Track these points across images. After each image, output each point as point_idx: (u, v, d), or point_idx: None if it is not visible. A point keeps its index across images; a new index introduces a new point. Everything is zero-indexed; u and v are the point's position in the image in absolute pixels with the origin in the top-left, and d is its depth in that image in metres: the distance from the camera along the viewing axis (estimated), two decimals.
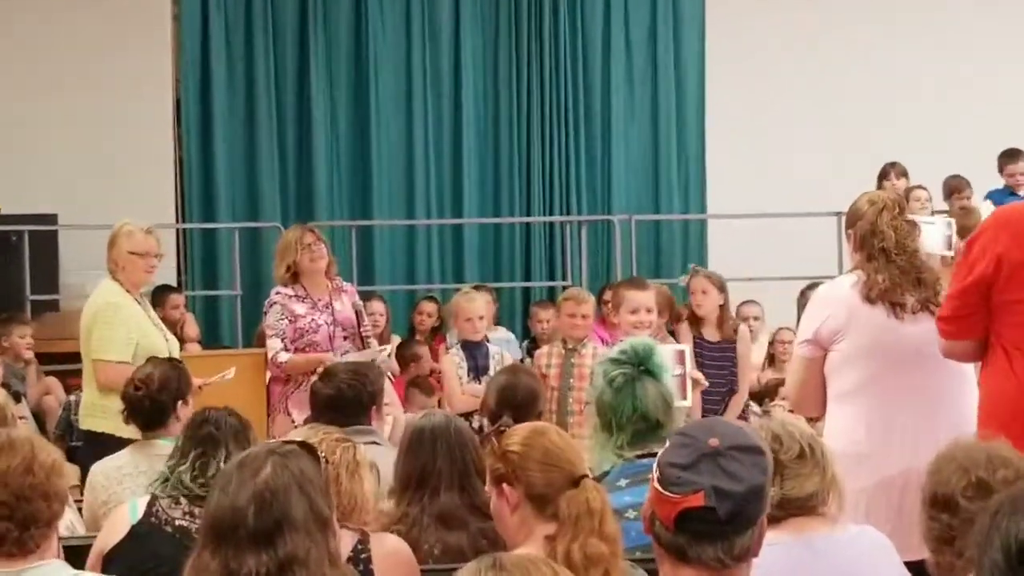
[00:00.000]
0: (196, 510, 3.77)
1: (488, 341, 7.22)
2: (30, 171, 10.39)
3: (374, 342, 7.18)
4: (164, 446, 4.53)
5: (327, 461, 3.13)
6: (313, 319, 6.86)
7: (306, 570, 2.54)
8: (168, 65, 11.04)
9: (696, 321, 7.13)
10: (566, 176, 11.49)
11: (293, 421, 6.50)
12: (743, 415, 6.97)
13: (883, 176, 9.48)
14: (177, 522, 3.85)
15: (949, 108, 11.42)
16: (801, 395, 4.65)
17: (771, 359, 9.11)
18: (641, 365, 3.87)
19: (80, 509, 4.88)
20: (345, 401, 4.84)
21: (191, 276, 10.96)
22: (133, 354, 5.87)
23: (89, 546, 3.90)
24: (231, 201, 11.03)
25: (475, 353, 6.97)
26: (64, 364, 8.74)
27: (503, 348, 7.52)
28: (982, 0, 11.79)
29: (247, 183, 11.07)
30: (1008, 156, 9.60)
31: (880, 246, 4.48)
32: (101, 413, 5.86)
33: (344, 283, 7.19)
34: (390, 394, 7.39)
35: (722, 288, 7.18)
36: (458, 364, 6.92)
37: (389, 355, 7.39)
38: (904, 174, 9.47)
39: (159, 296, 8.44)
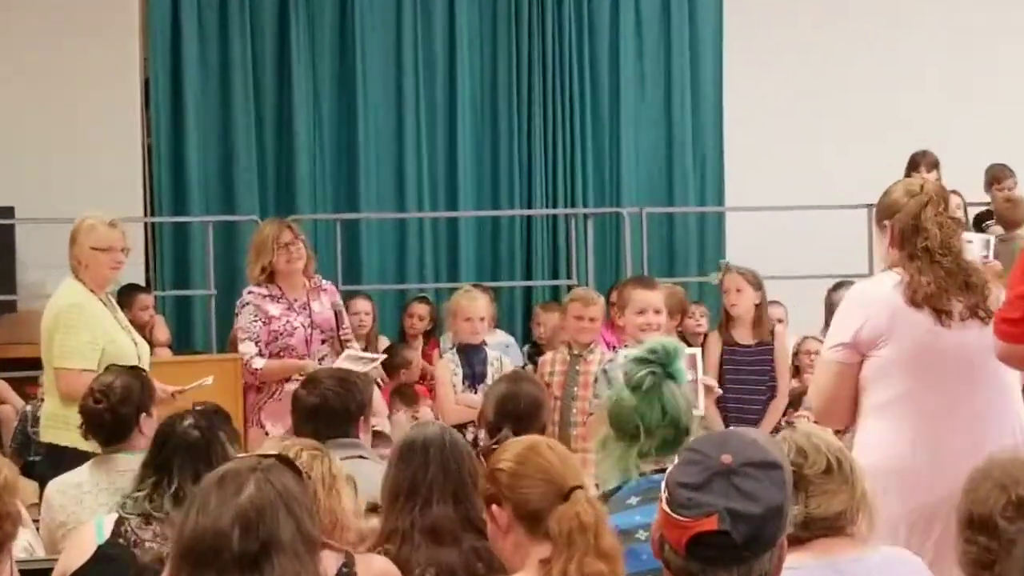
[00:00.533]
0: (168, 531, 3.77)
1: (486, 345, 7.24)
2: None
3: (355, 345, 7.18)
4: (127, 460, 4.56)
5: (308, 476, 3.15)
6: (288, 321, 6.87)
7: None
8: (135, 43, 11.02)
9: (725, 325, 7.17)
10: (571, 165, 11.46)
11: (267, 434, 6.50)
12: (783, 422, 6.93)
13: (912, 166, 9.49)
14: (147, 544, 3.86)
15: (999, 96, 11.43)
16: (829, 404, 4.53)
17: (796, 371, 9.13)
18: (668, 366, 3.76)
19: (39, 528, 4.90)
20: (330, 411, 4.86)
21: (161, 275, 10.94)
22: (99, 360, 5.87)
23: (50, 570, 3.92)
24: (204, 192, 11.00)
25: (472, 359, 6.99)
26: (21, 370, 8.77)
27: (502, 353, 7.51)
28: None
29: (222, 172, 11.03)
30: None
31: (923, 245, 4.38)
32: (64, 425, 5.84)
33: (324, 282, 7.19)
34: (379, 403, 7.41)
35: (758, 286, 7.22)
36: (452, 371, 6.94)
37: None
38: (935, 165, 9.49)
39: (126, 296, 8.45)
